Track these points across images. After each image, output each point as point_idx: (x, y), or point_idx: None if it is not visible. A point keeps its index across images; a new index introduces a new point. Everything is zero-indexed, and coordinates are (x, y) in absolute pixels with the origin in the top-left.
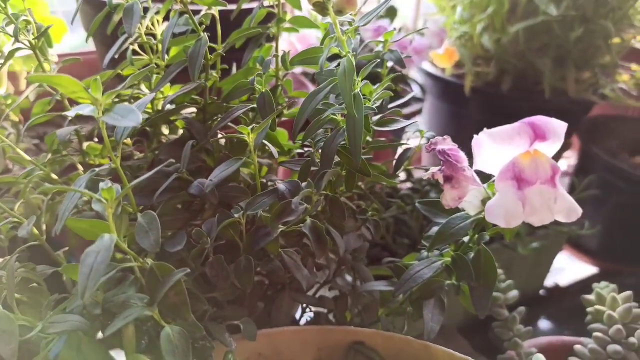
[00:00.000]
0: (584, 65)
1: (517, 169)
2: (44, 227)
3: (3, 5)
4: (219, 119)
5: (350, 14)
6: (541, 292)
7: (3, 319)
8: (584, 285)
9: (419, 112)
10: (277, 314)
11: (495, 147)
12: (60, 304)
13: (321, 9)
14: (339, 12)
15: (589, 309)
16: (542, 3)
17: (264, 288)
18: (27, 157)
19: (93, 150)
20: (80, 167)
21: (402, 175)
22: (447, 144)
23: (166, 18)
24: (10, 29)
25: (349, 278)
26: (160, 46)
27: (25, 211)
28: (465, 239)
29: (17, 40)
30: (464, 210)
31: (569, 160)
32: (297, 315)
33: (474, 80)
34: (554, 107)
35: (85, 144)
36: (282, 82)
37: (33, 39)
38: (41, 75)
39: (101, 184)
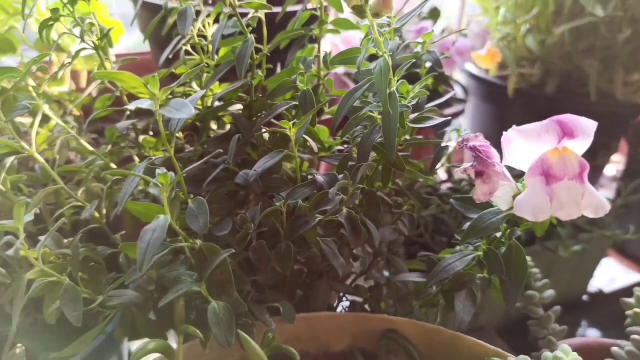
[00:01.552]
0: (633, 67)
1: (545, 165)
2: (104, 211)
3: (71, 9)
4: (263, 115)
5: (388, 17)
6: (584, 297)
7: (70, 290)
8: (629, 292)
9: (461, 113)
10: (315, 300)
11: (524, 144)
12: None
13: (359, 11)
14: (376, 14)
15: (628, 312)
16: (588, 4)
17: (302, 276)
18: (90, 148)
19: (148, 143)
20: (136, 158)
21: (442, 175)
22: (478, 140)
23: (216, 21)
24: (74, 30)
25: (384, 270)
26: (210, 47)
27: (86, 197)
28: (498, 234)
29: (82, 41)
30: (496, 206)
31: (616, 165)
32: (334, 304)
33: (517, 82)
34: (600, 110)
35: (141, 137)
36: (323, 81)
37: (97, 40)
38: (105, 72)
39: (157, 170)
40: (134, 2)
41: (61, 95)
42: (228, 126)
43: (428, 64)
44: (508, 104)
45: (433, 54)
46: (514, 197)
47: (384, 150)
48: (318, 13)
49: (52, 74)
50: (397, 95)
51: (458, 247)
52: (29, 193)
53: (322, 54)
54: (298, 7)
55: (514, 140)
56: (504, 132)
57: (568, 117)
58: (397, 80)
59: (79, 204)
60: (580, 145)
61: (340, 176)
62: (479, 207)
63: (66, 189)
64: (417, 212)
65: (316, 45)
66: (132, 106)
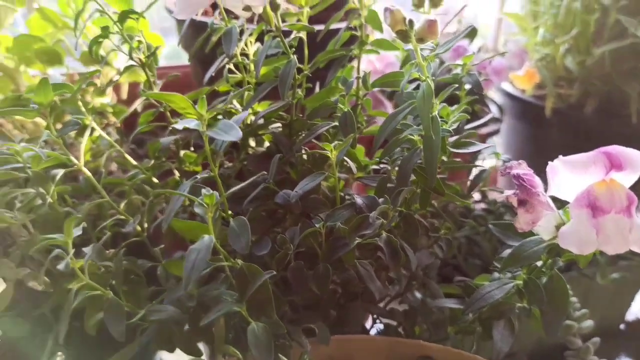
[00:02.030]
0: None
1: (592, 197)
2: (145, 225)
3: (120, 27)
4: (303, 134)
5: (432, 43)
6: (621, 326)
7: (114, 304)
8: None
9: (496, 132)
10: (349, 322)
11: (570, 175)
12: (156, 295)
13: (403, 36)
14: (421, 40)
15: None
16: (630, 25)
17: (337, 297)
18: (133, 162)
19: (188, 158)
20: (176, 172)
21: (476, 195)
22: (522, 168)
23: (258, 39)
24: (122, 46)
25: (419, 294)
26: (252, 65)
27: (127, 209)
28: (538, 263)
29: (130, 58)
30: (538, 235)
31: None
32: (368, 326)
33: (555, 102)
34: None
35: (182, 152)
36: (362, 101)
37: (144, 57)
38: (157, 93)
39: (203, 191)
40: (179, 23)
41: (103, 107)
42: (266, 143)
43: (467, 86)
44: (544, 124)
45: (474, 77)
46: (557, 227)
47: (425, 174)
48: (358, 33)
49: (99, 87)
50: (439, 119)
51: (497, 275)
52: (72, 204)
53: (362, 74)
54: (338, 26)
55: (560, 171)
56: (549, 163)
57: (616, 149)
58: (439, 104)
59: (122, 217)
60: (628, 177)
61: (381, 200)
62: (519, 234)
63: (111, 203)
64: (451, 233)
65: (355, 65)
66: (179, 126)
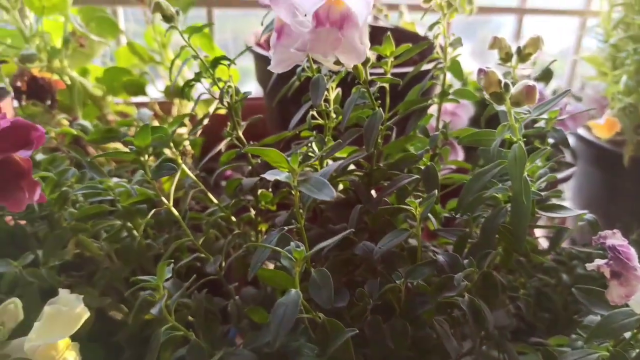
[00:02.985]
0: None
1: None
2: (223, 264)
3: (212, 72)
4: (386, 186)
5: (528, 108)
6: None
7: (196, 347)
8: None
9: (570, 178)
10: None
11: None
12: (228, 335)
13: (498, 98)
14: (516, 104)
15: None
16: None
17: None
18: (214, 200)
19: (265, 197)
20: (252, 210)
21: (544, 243)
22: (617, 238)
23: (338, 85)
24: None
25: (494, 352)
26: (333, 113)
27: (203, 243)
28: (626, 334)
29: (221, 102)
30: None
31: None
32: None
33: (634, 150)
34: None
35: (259, 191)
36: (440, 150)
37: (234, 102)
38: (254, 148)
39: (292, 244)
40: (257, 58)
41: (182, 138)
42: (340, 185)
43: (551, 139)
44: (621, 172)
45: (560, 132)
46: None
47: (511, 235)
48: (438, 82)
49: (181, 121)
50: (529, 180)
51: (579, 342)
52: (153, 235)
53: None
54: (407, 69)
55: None
56: None
57: None
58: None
59: (202, 255)
60: None
61: (465, 262)
62: (606, 303)
63: (193, 240)
64: (520, 285)
65: (435, 114)
66: (270, 177)
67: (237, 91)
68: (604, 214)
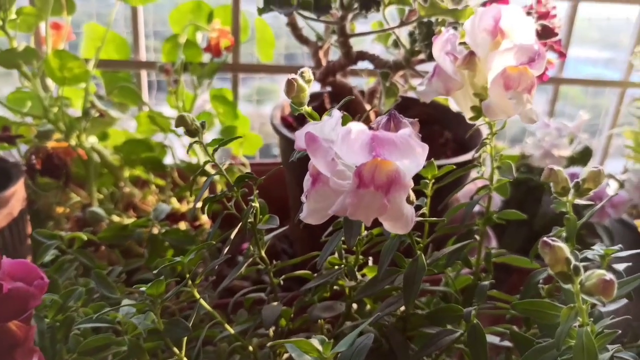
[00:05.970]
0: None
1: None
2: None
3: (236, 190)
4: (425, 345)
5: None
6: None
7: None
8: None
9: None
10: None
11: None
12: None
13: (565, 279)
14: (588, 294)
15: None
16: None
17: None
18: (232, 331)
19: None
20: None
21: None
22: None
23: None
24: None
25: None
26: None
27: None
28: None
29: (244, 226)
30: None
31: None
32: None
33: None
34: None
35: None
36: (481, 277)
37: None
38: (283, 341)
39: None
40: (282, 138)
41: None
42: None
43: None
44: None
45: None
46: None
47: None
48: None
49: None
50: None
51: None
52: None
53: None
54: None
55: None
56: None
57: None
58: None
59: None
60: None
61: None
62: None
63: None
64: None
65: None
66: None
67: (263, 210)
68: None
